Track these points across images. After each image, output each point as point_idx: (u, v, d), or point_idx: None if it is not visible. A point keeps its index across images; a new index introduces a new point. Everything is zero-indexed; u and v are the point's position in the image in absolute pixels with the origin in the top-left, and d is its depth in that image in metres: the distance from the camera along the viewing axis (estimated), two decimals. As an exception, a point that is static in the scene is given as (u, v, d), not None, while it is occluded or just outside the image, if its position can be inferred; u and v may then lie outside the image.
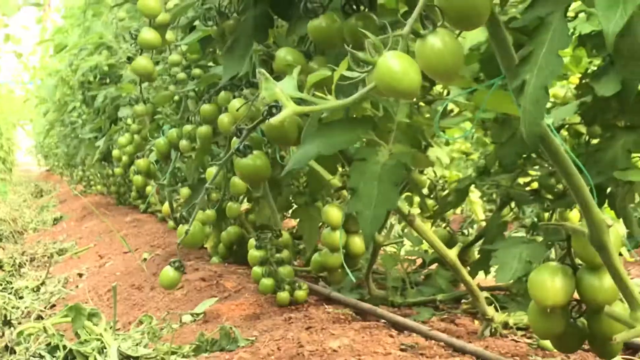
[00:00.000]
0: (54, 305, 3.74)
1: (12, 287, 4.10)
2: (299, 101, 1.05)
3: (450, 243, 2.41)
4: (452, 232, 2.58)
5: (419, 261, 2.88)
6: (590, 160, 2.09)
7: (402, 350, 1.86)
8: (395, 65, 0.87)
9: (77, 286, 4.08)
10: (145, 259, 3.90)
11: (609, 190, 2.10)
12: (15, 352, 2.40)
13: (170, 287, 1.79)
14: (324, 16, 1.41)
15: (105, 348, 2.30)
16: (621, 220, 2.10)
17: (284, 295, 2.51)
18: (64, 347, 2.28)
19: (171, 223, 4.06)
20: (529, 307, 1.38)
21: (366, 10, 1.43)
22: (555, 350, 1.78)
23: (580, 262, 1.35)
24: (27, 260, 5.03)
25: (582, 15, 1.98)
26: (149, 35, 2.03)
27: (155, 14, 1.96)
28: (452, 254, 1.97)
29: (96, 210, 5.99)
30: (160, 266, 3.53)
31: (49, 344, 2.34)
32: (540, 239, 2.18)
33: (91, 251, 4.99)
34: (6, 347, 2.42)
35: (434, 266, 2.67)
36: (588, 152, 2.10)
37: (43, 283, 4.18)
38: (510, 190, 2.45)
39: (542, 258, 2.12)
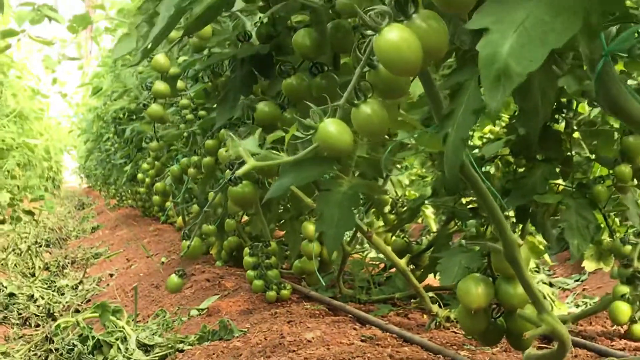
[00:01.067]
0: (89, 301, 3.74)
1: (56, 285, 4.10)
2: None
3: (406, 250, 2.43)
4: (409, 241, 2.59)
5: (382, 265, 2.90)
6: (517, 186, 2.11)
7: (362, 341, 1.86)
8: (332, 129, 0.89)
9: (108, 284, 4.08)
10: (163, 262, 3.90)
11: (530, 210, 2.12)
12: (53, 342, 2.40)
13: (175, 291, 1.80)
14: (294, 76, 1.43)
15: (127, 338, 2.30)
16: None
17: (271, 294, 2.51)
18: (93, 337, 2.29)
19: (184, 233, 4.05)
20: (457, 309, 1.39)
21: (330, 69, 1.45)
22: (483, 342, 1.78)
23: (498, 273, 1.36)
24: (68, 263, 5.02)
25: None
26: (160, 86, 2.05)
27: (165, 69, 1.98)
28: (402, 262, 1.99)
29: (126, 221, 5.97)
30: (175, 268, 3.53)
31: (81, 334, 2.34)
32: (477, 248, 2.19)
33: (120, 255, 4.98)
34: (46, 337, 2.43)
35: (393, 269, 2.68)
36: (515, 179, 2.12)
37: (81, 282, 4.18)
38: (453, 208, 2.47)
39: (478, 265, 2.13)
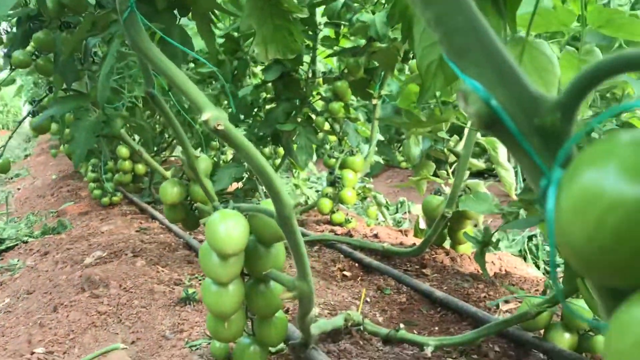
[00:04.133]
0: None
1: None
2: None
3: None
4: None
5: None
6: (266, 118, 2.33)
7: (137, 231, 2.09)
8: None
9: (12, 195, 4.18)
10: (54, 178, 4.02)
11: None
12: None
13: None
14: (42, 31, 1.59)
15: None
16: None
17: (105, 199, 2.74)
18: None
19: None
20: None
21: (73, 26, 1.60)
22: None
23: (189, 177, 1.57)
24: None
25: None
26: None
27: None
28: (168, 174, 2.19)
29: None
30: (60, 182, 3.68)
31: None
32: (241, 163, 2.40)
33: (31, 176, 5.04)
34: None
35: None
36: (266, 113, 2.34)
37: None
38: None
39: (242, 174, 2.38)
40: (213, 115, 0.88)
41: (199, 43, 1.90)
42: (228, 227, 0.91)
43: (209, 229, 0.92)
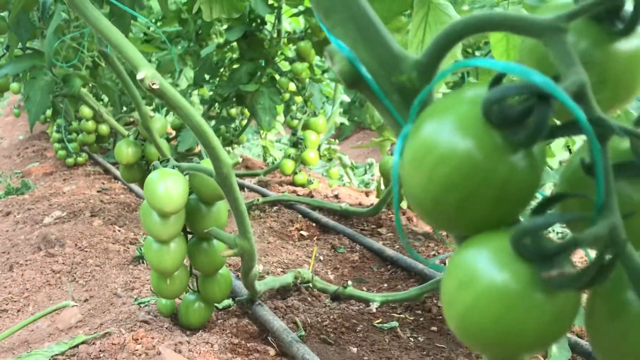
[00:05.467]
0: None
1: None
2: None
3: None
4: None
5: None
6: (229, 78, 2.32)
7: (98, 191, 2.10)
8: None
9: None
10: (21, 139, 3.97)
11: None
12: None
13: None
14: None
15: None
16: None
17: (70, 160, 2.74)
18: None
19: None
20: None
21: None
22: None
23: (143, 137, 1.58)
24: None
25: None
26: None
27: None
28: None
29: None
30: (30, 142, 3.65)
31: None
32: None
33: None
34: None
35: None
36: (229, 73, 2.33)
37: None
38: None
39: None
40: (149, 73, 0.88)
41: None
42: (167, 186, 0.93)
43: (148, 188, 0.93)
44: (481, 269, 0.30)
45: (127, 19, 1.25)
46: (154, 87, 0.88)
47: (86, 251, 1.51)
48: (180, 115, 0.92)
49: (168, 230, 0.95)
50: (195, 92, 3.08)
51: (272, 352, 1.04)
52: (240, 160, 0.95)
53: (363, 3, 0.37)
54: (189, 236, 1.05)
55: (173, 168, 0.97)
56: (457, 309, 0.30)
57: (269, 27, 2.34)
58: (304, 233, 1.76)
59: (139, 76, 0.88)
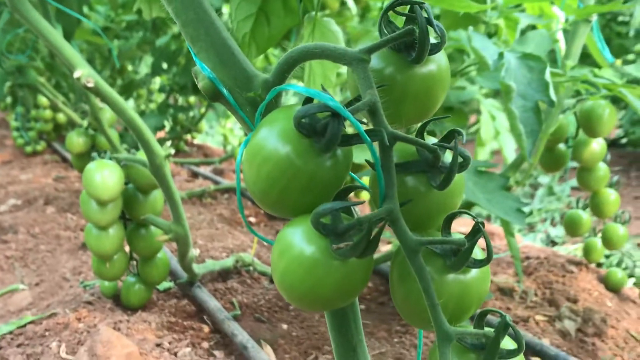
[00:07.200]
0: None
1: None
2: None
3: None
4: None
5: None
6: (185, 67, 2.38)
7: (54, 180, 2.14)
8: None
9: None
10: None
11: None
12: None
13: None
14: None
15: None
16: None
17: (29, 148, 2.77)
18: None
19: None
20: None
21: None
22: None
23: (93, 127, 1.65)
24: None
25: None
26: None
27: None
28: None
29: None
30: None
31: None
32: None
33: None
34: None
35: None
36: (187, 61, 2.38)
37: None
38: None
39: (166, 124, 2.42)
40: (84, 72, 0.97)
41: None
42: (104, 176, 1.01)
43: (86, 178, 1.02)
44: (293, 242, 0.40)
45: (73, 10, 1.32)
46: (89, 85, 0.96)
47: (38, 238, 1.59)
48: (115, 111, 1.00)
49: (106, 217, 1.04)
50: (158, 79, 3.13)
51: (206, 329, 1.14)
52: (172, 152, 1.04)
53: (223, 34, 0.46)
54: (128, 222, 1.14)
55: (110, 159, 1.05)
56: (278, 272, 0.40)
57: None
58: (253, 219, 1.85)
59: (75, 75, 0.96)
